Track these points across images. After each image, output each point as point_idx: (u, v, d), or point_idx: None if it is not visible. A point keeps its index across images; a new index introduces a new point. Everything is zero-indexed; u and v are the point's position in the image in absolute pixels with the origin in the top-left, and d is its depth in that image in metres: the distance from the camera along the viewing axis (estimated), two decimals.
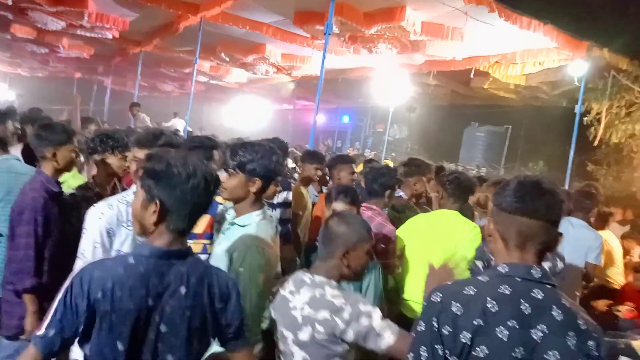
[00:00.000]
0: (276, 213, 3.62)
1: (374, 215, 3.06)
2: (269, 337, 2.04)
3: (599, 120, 6.53)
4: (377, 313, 1.78)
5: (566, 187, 5.83)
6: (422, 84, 11.82)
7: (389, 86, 11.34)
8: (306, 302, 1.85)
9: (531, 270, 1.33)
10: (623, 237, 4.75)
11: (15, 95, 17.18)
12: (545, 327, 1.26)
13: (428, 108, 15.97)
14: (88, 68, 16.46)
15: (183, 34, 9.03)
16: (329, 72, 10.71)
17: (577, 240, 3.73)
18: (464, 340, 1.27)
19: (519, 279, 1.32)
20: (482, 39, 7.73)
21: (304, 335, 1.83)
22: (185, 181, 1.42)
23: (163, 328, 1.42)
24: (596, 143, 6.70)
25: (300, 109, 17.95)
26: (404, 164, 4.17)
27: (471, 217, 3.70)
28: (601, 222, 4.66)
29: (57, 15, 8.72)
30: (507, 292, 1.29)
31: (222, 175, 1.97)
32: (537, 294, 1.30)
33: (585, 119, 6.82)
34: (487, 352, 1.25)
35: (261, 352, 2.02)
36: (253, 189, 2.08)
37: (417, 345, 1.33)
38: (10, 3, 8.07)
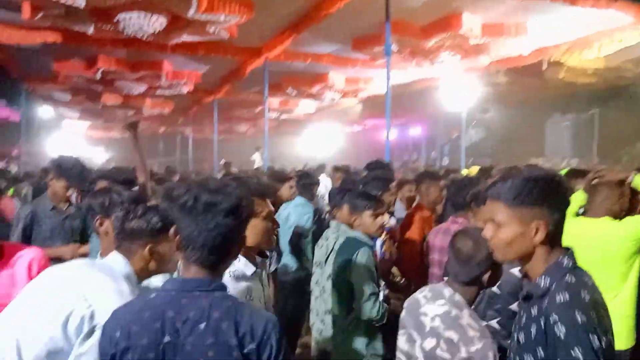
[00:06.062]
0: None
1: None
2: None
3: None
4: None
5: None
6: (492, 83, 11.44)
7: (458, 91, 11.06)
8: (439, 315, 1.84)
9: None
10: None
11: (109, 157, 19.00)
12: None
13: (502, 106, 15.34)
14: (170, 122, 17.80)
15: (250, 77, 9.53)
16: (393, 87, 10.69)
17: None
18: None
19: None
20: (548, 29, 7.40)
21: (429, 345, 1.83)
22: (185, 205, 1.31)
23: None
24: None
25: (368, 128, 18.00)
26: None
27: None
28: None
29: (139, 81, 9.61)
30: None
31: None
32: None
33: None
34: None
35: None
36: None
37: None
38: (99, 77, 9.02)
